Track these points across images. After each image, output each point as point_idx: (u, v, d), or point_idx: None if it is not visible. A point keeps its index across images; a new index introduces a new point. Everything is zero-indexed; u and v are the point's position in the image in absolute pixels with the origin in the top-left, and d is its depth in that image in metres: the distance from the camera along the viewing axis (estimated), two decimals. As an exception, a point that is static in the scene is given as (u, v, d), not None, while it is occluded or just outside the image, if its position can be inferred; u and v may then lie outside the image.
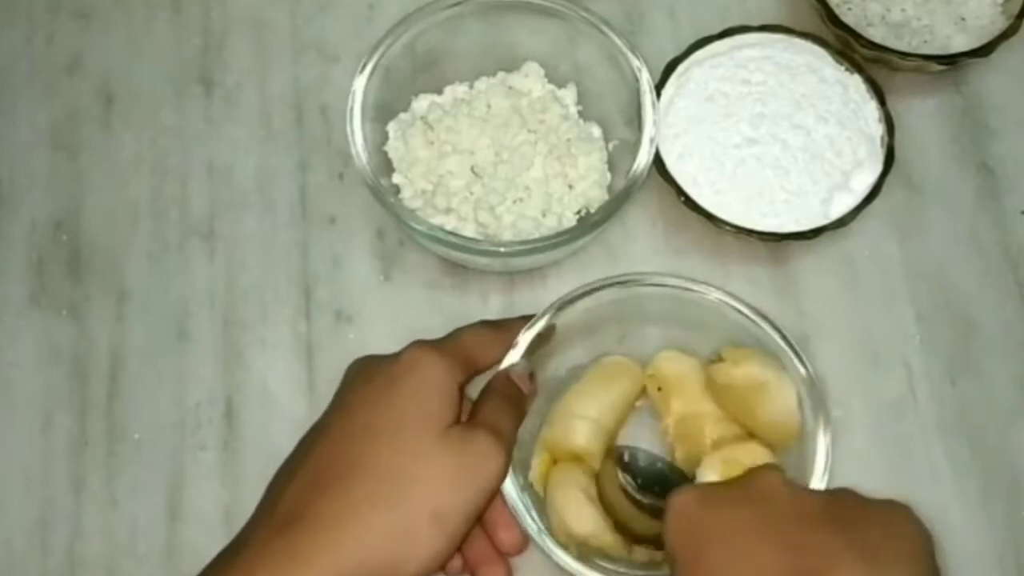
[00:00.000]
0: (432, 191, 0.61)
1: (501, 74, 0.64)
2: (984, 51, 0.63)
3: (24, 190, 0.64)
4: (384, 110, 0.62)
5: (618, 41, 0.60)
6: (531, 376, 0.53)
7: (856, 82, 0.63)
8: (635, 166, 0.58)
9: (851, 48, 0.65)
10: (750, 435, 0.54)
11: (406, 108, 0.63)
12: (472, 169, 0.61)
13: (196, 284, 0.62)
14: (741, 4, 0.69)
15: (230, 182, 0.65)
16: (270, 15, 0.69)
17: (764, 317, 0.54)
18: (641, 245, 0.63)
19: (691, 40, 0.64)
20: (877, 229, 0.63)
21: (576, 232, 0.57)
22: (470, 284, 0.62)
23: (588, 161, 0.61)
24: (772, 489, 0.45)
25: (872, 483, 0.55)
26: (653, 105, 0.59)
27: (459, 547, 0.48)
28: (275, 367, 0.60)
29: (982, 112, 0.67)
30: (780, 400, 0.53)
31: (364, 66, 0.59)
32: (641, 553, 0.52)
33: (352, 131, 0.58)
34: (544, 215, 0.60)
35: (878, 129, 0.62)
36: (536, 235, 0.59)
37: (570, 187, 0.61)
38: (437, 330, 0.60)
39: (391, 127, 0.63)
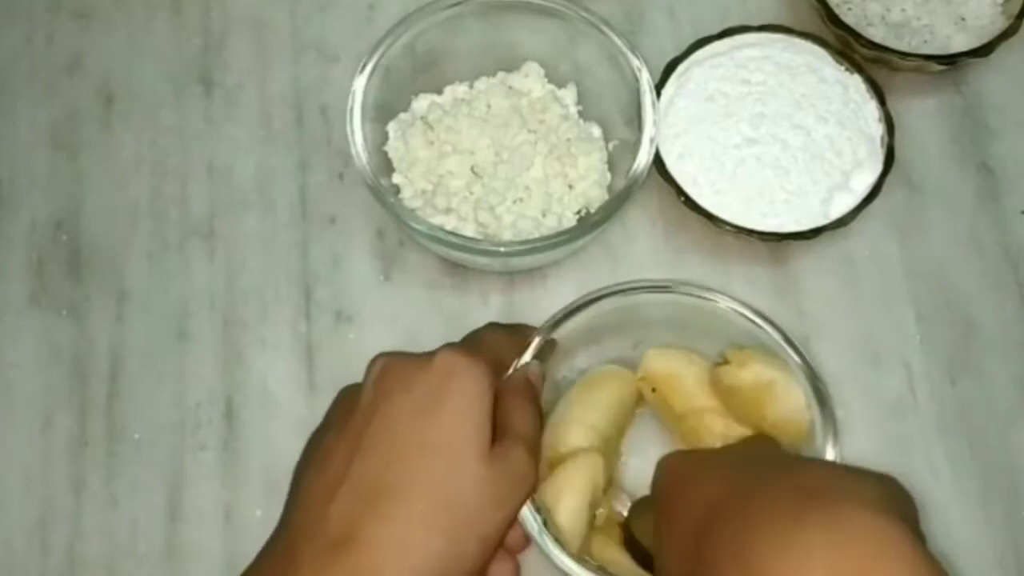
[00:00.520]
0: (432, 191, 0.61)
1: (501, 74, 0.64)
2: (984, 51, 0.63)
3: (24, 190, 0.64)
4: (384, 110, 0.62)
5: (618, 41, 0.60)
6: (543, 376, 0.52)
7: (856, 82, 0.63)
8: (635, 166, 0.58)
9: (851, 48, 0.65)
10: None
11: (406, 108, 0.63)
12: (472, 169, 0.61)
13: (196, 284, 0.62)
14: (741, 4, 0.69)
15: (230, 182, 0.65)
16: (270, 15, 0.69)
17: (769, 321, 0.53)
18: (641, 245, 0.63)
19: (691, 40, 0.64)
20: (877, 229, 0.63)
21: (576, 232, 0.57)
22: (470, 284, 0.62)
23: (588, 161, 0.61)
24: (762, 444, 0.46)
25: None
26: (653, 105, 0.59)
27: None
28: (275, 367, 0.60)
29: (982, 112, 0.67)
30: (788, 399, 0.53)
31: (364, 66, 0.59)
32: None
33: (352, 131, 0.58)
34: (544, 215, 0.60)
35: (878, 129, 0.62)
36: (536, 235, 0.59)
37: (570, 187, 0.61)
38: (437, 330, 0.61)
39: (391, 127, 0.63)
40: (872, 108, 0.63)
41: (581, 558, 0.50)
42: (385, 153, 0.62)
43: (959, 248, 0.63)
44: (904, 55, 0.63)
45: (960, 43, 0.65)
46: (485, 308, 0.62)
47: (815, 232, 0.60)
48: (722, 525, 0.39)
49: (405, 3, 0.63)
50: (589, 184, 0.61)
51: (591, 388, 0.56)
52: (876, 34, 0.65)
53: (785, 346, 0.53)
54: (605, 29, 0.60)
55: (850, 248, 0.63)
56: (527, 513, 0.49)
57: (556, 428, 0.54)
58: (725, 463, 0.45)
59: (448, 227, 0.59)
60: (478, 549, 0.45)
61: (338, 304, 0.62)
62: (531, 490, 0.48)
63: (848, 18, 0.65)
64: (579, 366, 0.57)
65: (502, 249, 0.57)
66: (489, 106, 0.63)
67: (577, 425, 0.54)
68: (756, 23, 0.65)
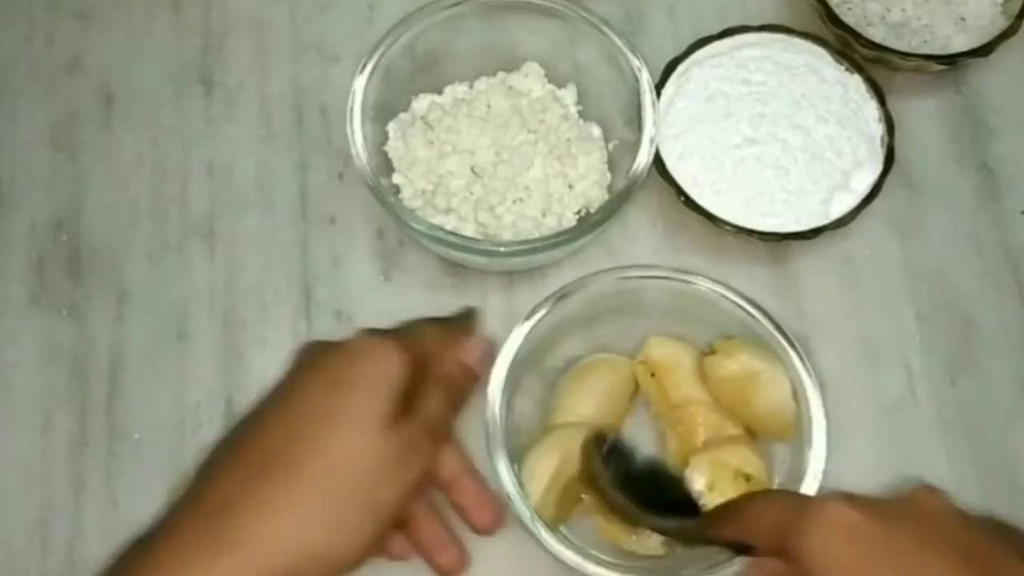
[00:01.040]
0: (432, 191, 0.61)
1: (501, 74, 0.64)
2: (984, 51, 0.63)
3: (24, 190, 0.64)
4: (384, 110, 0.62)
5: (618, 41, 0.60)
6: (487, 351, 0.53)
7: (856, 82, 0.63)
8: (635, 166, 0.58)
9: (851, 48, 0.64)
10: (747, 429, 0.54)
11: (406, 108, 0.63)
12: (472, 169, 0.61)
13: (196, 284, 0.62)
14: (741, 4, 0.69)
15: (230, 182, 0.65)
16: (270, 15, 0.69)
17: (759, 308, 0.54)
18: (641, 245, 0.63)
19: (691, 40, 0.64)
20: (877, 229, 0.63)
21: (576, 232, 0.57)
22: (470, 284, 0.62)
23: (588, 161, 0.61)
24: (935, 506, 0.43)
25: (872, 483, 0.55)
26: (653, 105, 0.59)
27: (408, 531, 0.50)
28: (275, 367, 0.60)
29: (982, 112, 0.67)
30: (775, 390, 0.53)
31: (364, 66, 0.59)
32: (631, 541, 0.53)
33: (352, 131, 0.58)
34: (544, 215, 0.60)
35: (878, 129, 0.62)
36: (536, 235, 0.59)
37: (570, 187, 0.61)
38: (437, 330, 0.60)
39: (391, 127, 0.63)
40: (872, 108, 0.63)
41: (557, 531, 0.50)
42: (385, 153, 0.62)
43: (959, 248, 0.63)
44: (904, 55, 0.63)
45: (960, 43, 0.65)
46: (485, 308, 0.61)
47: (815, 232, 0.60)
48: None
49: (405, 3, 0.63)
50: (589, 184, 0.61)
51: (584, 378, 0.56)
52: (876, 34, 0.65)
53: (769, 326, 0.54)
54: (605, 29, 0.60)
55: (850, 248, 0.63)
56: (520, 500, 0.50)
57: (548, 418, 0.54)
58: (923, 534, 0.42)
59: (448, 227, 0.59)
60: (370, 516, 0.45)
61: (338, 304, 0.62)
62: (427, 464, 0.48)
63: (848, 18, 0.65)
64: (570, 354, 0.57)
65: (502, 249, 0.57)
66: (489, 106, 0.63)
67: (568, 416, 0.54)
68: (756, 23, 0.65)
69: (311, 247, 0.63)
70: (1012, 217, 0.64)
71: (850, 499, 0.42)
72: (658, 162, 0.60)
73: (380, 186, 0.58)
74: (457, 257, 0.59)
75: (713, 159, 0.61)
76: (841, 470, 0.53)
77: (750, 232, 0.60)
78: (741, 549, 0.46)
